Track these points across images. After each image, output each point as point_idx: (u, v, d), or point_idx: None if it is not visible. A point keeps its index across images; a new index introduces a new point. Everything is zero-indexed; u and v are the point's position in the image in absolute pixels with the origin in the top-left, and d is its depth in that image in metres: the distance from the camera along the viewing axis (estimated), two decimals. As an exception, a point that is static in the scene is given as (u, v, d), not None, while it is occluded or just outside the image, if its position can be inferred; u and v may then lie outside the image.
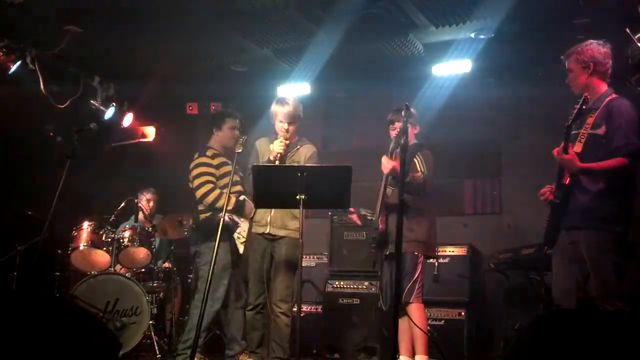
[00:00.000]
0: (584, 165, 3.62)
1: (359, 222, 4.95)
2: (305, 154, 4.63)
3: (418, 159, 4.54)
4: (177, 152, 7.08)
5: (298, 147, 4.66)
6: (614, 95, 3.74)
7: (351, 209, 4.64)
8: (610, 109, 3.66)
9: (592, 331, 2.63)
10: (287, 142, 4.53)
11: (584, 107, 3.57)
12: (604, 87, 3.79)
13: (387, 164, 4.45)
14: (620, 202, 3.62)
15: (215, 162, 5.12)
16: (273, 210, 4.54)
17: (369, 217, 4.93)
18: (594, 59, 3.76)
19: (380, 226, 4.54)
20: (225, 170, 5.12)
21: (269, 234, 4.56)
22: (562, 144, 3.65)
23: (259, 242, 4.62)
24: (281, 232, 4.55)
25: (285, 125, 4.54)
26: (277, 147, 4.46)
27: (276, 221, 4.55)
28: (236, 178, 5.13)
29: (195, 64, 6.38)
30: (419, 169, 4.49)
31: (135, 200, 5.98)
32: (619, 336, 2.58)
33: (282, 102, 4.60)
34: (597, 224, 3.60)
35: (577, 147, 3.71)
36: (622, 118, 3.61)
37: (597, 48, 3.77)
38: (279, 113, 4.56)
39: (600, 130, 3.66)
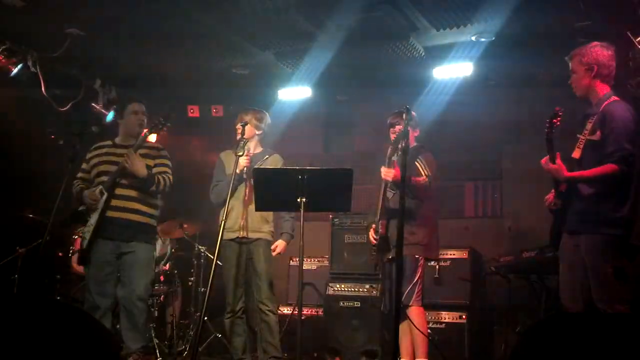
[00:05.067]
0: (571, 174, 3.64)
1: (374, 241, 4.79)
2: (274, 164, 4.71)
3: (420, 162, 4.53)
4: (178, 155, 7.09)
5: (266, 157, 4.74)
6: (611, 99, 3.71)
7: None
8: (605, 114, 3.64)
9: (594, 335, 2.62)
10: (250, 153, 4.63)
11: (554, 121, 3.56)
12: (605, 90, 3.75)
13: (388, 173, 4.43)
14: (616, 206, 3.60)
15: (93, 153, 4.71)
16: (246, 215, 4.60)
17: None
18: (598, 61, 3.71)
19: (381, 230, 4.53)
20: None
21: (243, 237, 4.61)
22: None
23: (232, 249, 4.63)
24: (256, 235, 4.63)
25: (239, 125, 4.60)
26: (243, 161, 4.52)
27: (250, 225, 4.60)
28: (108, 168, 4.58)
29: (197, 66, 6.38)
30: (422, 172, 4.48)
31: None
32: (621, 340, 2.57)
33: (245, 109, 4.79)
34: (594, 228, 3.61)
35: (576, 153, 3.70)
36: (614, 123, 3.58)
37: (601, 50, 3.72)
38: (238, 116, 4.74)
39: (596, 136, 3.65)
